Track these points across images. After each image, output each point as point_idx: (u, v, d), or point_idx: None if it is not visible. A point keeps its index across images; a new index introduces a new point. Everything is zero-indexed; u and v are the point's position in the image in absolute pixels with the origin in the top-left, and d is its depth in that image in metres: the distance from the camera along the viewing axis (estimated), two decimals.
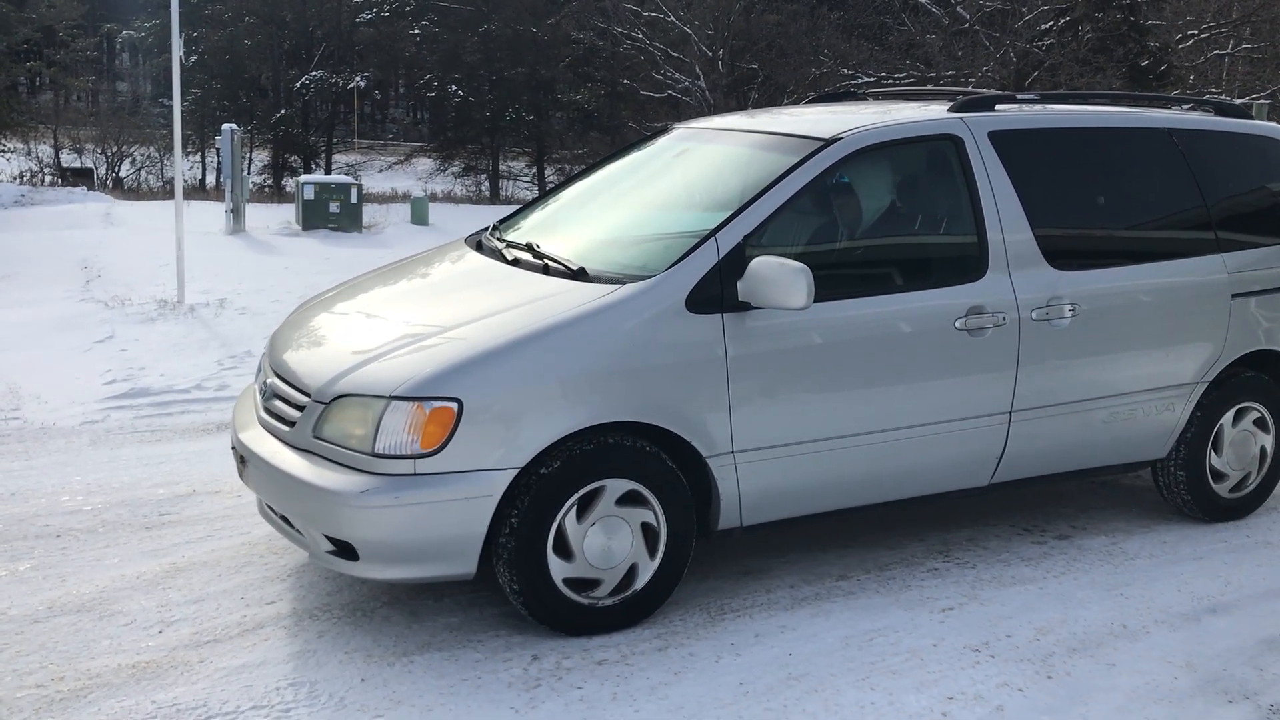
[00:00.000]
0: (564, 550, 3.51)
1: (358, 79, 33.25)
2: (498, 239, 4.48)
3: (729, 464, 3.70)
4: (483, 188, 32.44)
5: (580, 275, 3.79)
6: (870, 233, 4.29)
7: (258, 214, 17.30)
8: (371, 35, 33.30)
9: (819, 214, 4.13)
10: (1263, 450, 4.85)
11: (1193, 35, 21.93)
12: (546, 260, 3.98)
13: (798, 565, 4.20)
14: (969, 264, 4.12)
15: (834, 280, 3.84)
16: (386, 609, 3.76)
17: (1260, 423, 4.83)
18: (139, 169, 29.80)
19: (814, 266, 3.56)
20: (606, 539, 3.55)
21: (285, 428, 3.65)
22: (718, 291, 3.64)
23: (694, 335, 3.61)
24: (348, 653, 3.47)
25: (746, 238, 3.73)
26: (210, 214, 16.08)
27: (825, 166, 3.94)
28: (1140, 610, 3.93)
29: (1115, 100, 5.26)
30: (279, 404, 3.74)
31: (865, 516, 4.20)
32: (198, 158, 33.95)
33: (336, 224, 16.06)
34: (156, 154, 29.16)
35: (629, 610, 3.65)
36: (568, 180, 5.30)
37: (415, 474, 3.35)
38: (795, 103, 21.51)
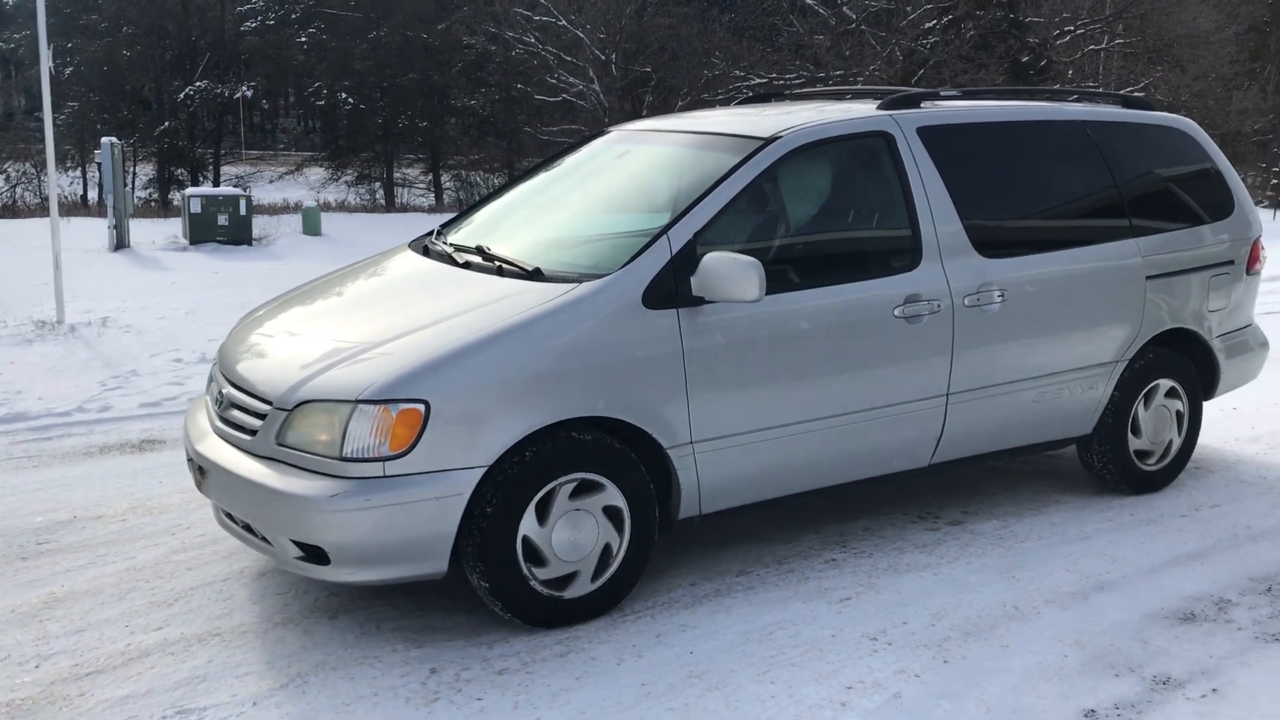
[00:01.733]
0: (532, 545, 3.56)
1: (244, 88, 32.48)
2: (444, 243, 4.50)
3: (689, 454, 3.80)
4: (377, 196, 31.92)
5: (535, 275, 3.85)
6: (811, 227, 4.45)
7: (143, 229, 16.80)
8: (257, 44, 32.56)
9: (762, 210, 4.24)
10: (1179, 422, 5.13)
11: (1069, 31, 22.70)
12: (500, 262, 4.03)
13: (698, 563, 4.21)
14: (904, 255, 4.29)
15: (780, 274, 3.97)
16: (280, 629, 3.66)
17: (1173, 394, 5.10)
18: (14, 185, 28.62)
19: (760, 261, 3.66)
20: (574, 532, 3.62)
21: (246, 436, 3.63)
22: (672, 287, 3.74)
23: (651, 331, 3.70)
24: (239, 676, 3.36)
25: (696, 235, 3.82)
26: (92, 230, 15.56)
27: (767, 164, 4.06)
28: (1031, 591, 4.02)
29: (1032, 95, 5.46)
30: (237, 413, 3.72)
31: (759, 512, 4.22)
32: (78, 173, 32.72)
33: (225, 237, 15.68)
34: (32, 169, 28.04)
35: (599, 600, 3.73)
36: (508, 184, 5.31)
37: (385, 476, 3.37)
38: (690, 105, 21.71)
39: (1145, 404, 5.01)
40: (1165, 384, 5.06)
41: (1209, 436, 5.79)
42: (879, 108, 4.51)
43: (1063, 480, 5.19)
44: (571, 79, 20.39)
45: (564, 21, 20.00)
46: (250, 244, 15.87)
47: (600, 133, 5.24)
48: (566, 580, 3.65)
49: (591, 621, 3.71)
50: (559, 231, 4.58)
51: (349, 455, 3.36)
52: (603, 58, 20.56)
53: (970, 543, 4.46)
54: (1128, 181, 4.98)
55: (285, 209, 23.51)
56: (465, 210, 5.10)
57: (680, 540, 4.34)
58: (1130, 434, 4.98)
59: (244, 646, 3.54)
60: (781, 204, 4.30)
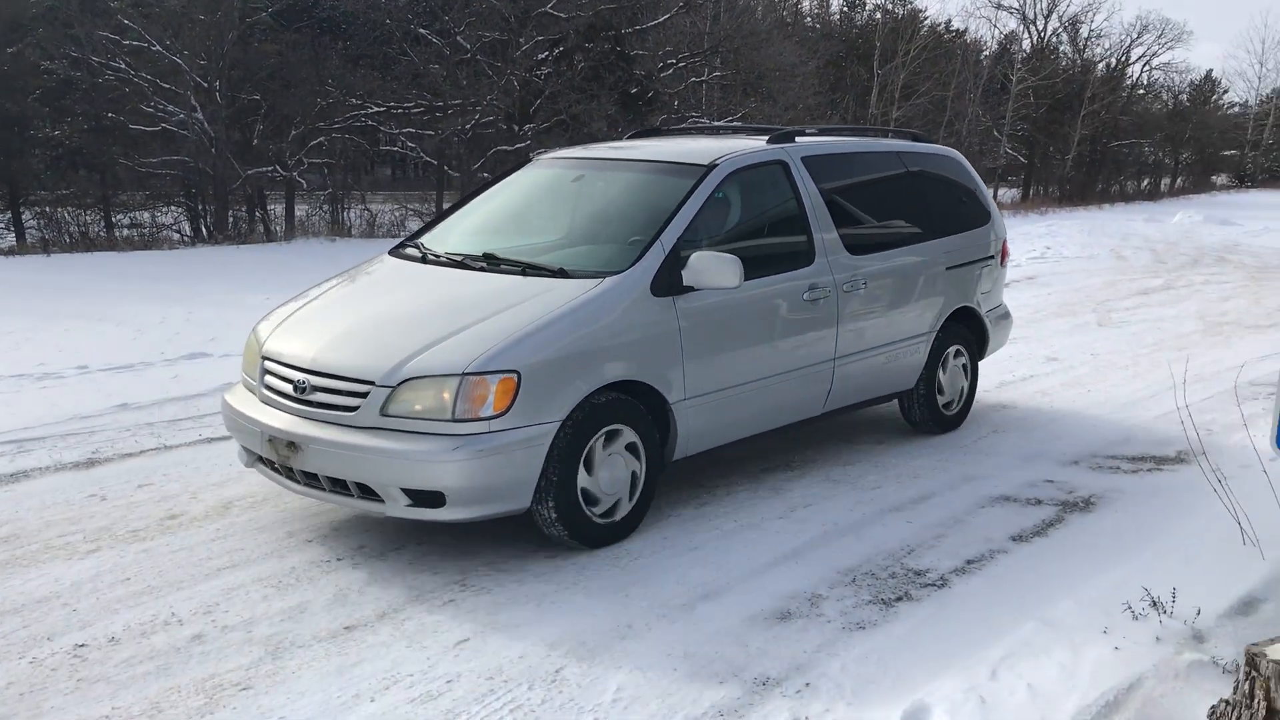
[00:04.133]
0: (588, 480, 4.56)
1: None
2: (443, 253, 5.37)
3: (684, 407, 4.92)
4: None
5: (561, 274, 4.83)
6: (744, 232, 5.57)
7: None
8: None
9: (713, 219, 5.27)
10: (966, 375, 6.84)
11: (672, 64, 24.04)
12: (523, 265, 4.98)
13: (317, 617, 3.96)
14: (805, 254, 5.57)
15: None
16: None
17: (961, 355, 6.77)
18: None
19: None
20: (612, 470, 4.66)
21: (343, 413, 4.36)
22: (668, 279, 4.83)
23: (658, 313, 4.79)
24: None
25: (679, 239, 4.94)
26: None
27: (715, 184, 5.25)
28: (644, 609, 4.11)
29: (858, 133, 6.78)
30: (324, 395, 4.44)
31: (375, 554, 4.04)
32: None
33: None
34: None
35: (623, 526, 4.79)
36: (453, 207, 6.16)
37: (489, 431, 4.23)
38: (306, 133, 20.94)
39: (946, 364, 6.61)
40: (957, 348, 6.68)
41: (807, 446, 6.24)
42: (769, 141, 5.75)
43: (672, 496, 5.39)
44: (171, 107, 19.03)
45: (159, 47, 18.64)
46: None
47: (526, 160, 6.30)
48: (612, 509, 4.71)
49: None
50: (551, 241, 5.49)
51: (460, 417, 4.21)
52: (205, 85, 19.36)
53: (587, 565, 4.51)
54: (930, 196, 6.60)
55: None
56: (420, 231, 5.96)
57: (295, 593, 4.07)
58: (938, 386, 6.57)
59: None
60: (721, 215, 5.37)
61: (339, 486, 4.42)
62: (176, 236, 19.58)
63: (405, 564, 4.50)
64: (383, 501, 4.33)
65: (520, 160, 6.50)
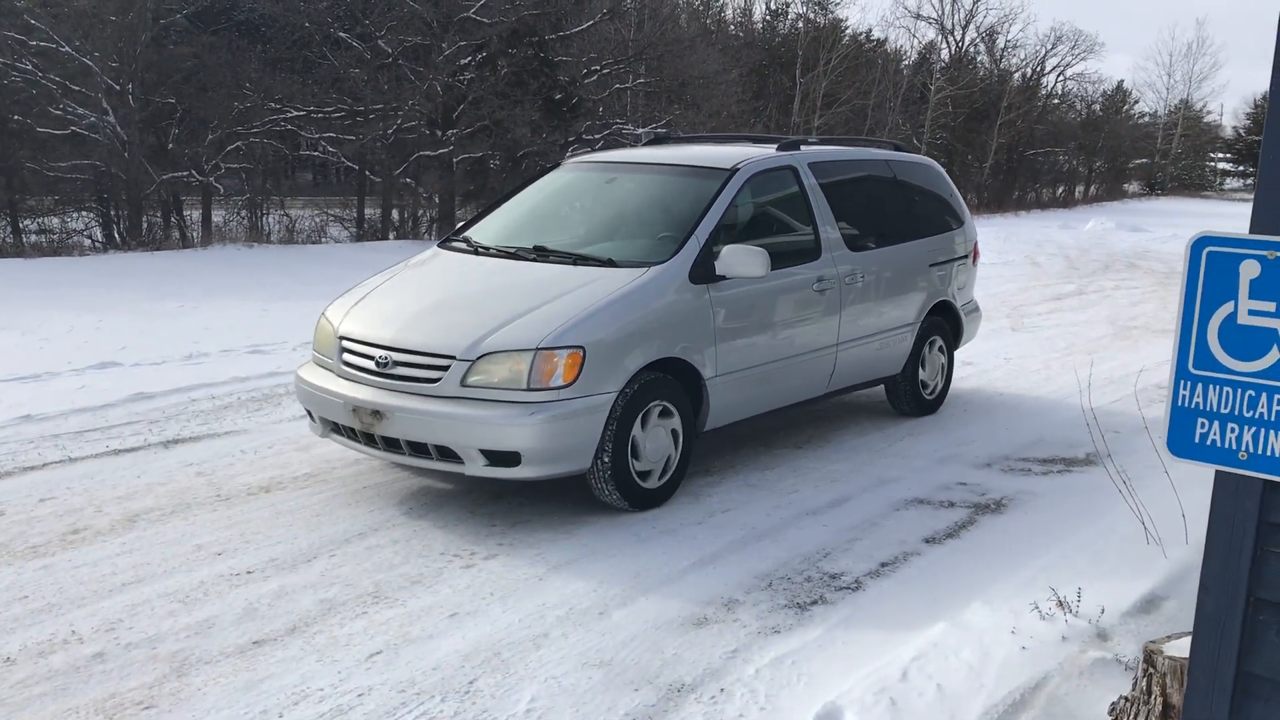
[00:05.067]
0: (635, 449, 5.12)
1: None
2: (496, 245, 5.94)
3: (715, 384, 5.47)
4: None
5: (609, 264, 5.43)
6: (762, 229, 6.18)
7: None
8: None
9: (734, 218, 5.85)
10: (944, 364, 7.48)
11: (596, 71, 24.03)
12: (574, 256, 5.58)
13: (225, 632, 3.87)
14: (812, 250, 6.21)
15: None
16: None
17: (941, 349, 7.41)
18: None
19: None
20: (655, 441, 5.21)
21: (425, 384, 4.92)
22: (704, 269, 5.42)
23: (696, 299, 5.37)
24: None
25: (711, 234, 5.53)
26: None
27: (739, 186, 5.86)
28: (559, 617, 4.09)
29: (851, 143, 7.44)
30: (406, 369, 4.99)
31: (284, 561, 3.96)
32: None
33: None
34: None
35: (665, 490, 5.35)
36: (490, 207, 6.71)
37: (559, 400, 4.78)
38: (224, 137, 20.52)
39: (928, 351, 7.23)
40: (937, 338, 7.31)
41: (726, 451, 6.28)
42: (778, 149, 6.36)
43: (590, 500, 5.36)
44: (82, 110, 18.50)
45: (67, 48, 18.12)
46: None
47: (556, 165, 6.96)
48: (649, 473, 5.25)
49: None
50: (592, 236, 6.02)
51: (534, 386, 4.77)
52: (117, 88, 18.86)
53: (504, 575, 4.48)
54: (914, 200, 7.27)
55: None
56: (462, 227, 6.49)
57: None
58: (919, 373, 7.19)
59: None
60: (742, 213, 5.95)
61: (419, 450, 4.92)
62: (88, 243, 19.03)
63: (317, 577, 4.42)
64: (462, 462, 4.84)
65: (548, 165, 7.26)
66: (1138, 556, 4.60)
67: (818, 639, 3.94)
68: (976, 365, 9.11)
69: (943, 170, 7.84)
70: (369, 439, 5.08)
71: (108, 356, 8.59)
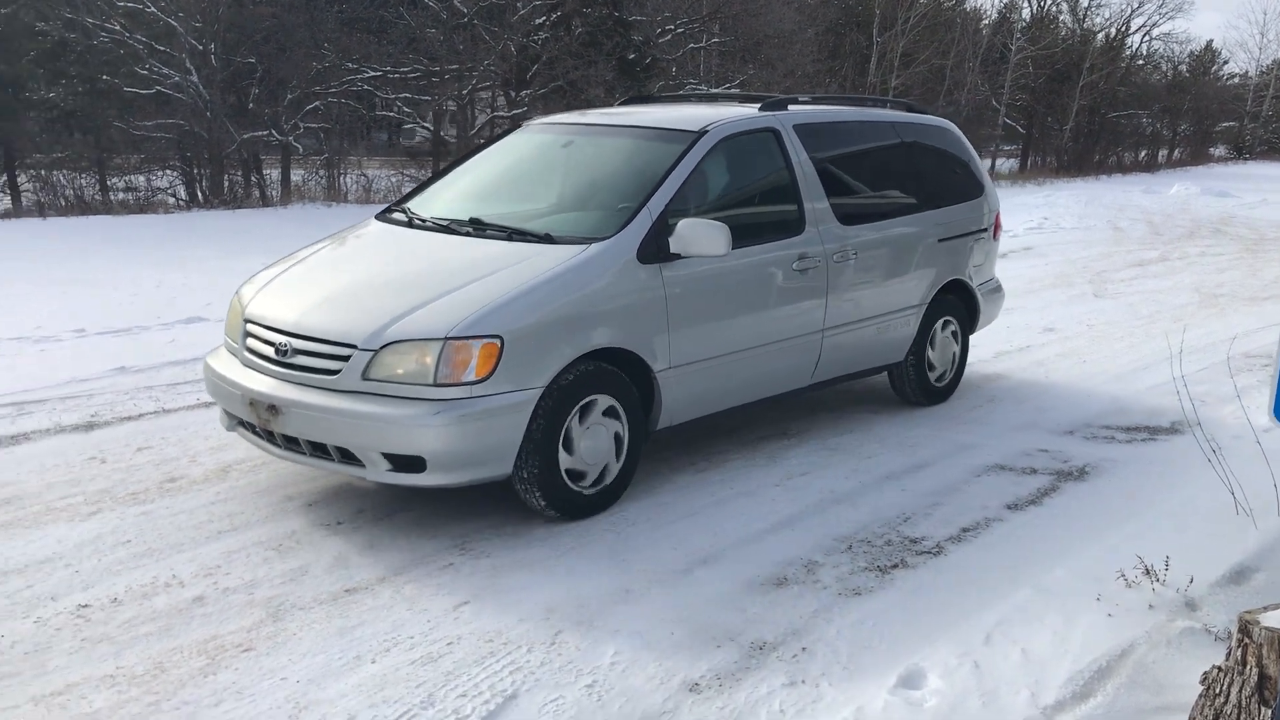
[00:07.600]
0: (568, 449, 4.49)
1: None
2: (429, 217, 5.30)
3: (668, 376, 4.84)
4: None
5: (547, 239, 4.76)
6: (733, 200, 5.43)
7: None
8: None
9: (701, 186, 5.17)
10: (956, 343, 6.75)
11: (670, 30, 23.88)
12: (509, 229, 4.90)
13: (318, 579, 3.99)
14: (795, 224, 5.49)
15: None
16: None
17: (955, 333, 6.72)
18: None
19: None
20: (594, 440, 4.59)
21: (324, 376, 4.31)
22: (655, 247, 4.75)
23: (644, 280, 4.70)
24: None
25: (667, 206, 4.84)
26: None
27: (705, 151, 5.14)
28: (641, 573, 4.15)
29: (853, 103, 6.67)
30: (305, 359, 4.38)
31: (373, 519, 4.06)
32: None
33: None
34: None
35: (603, 498, 4.72)
36: (443, 171, 6.07)
37: (471, 397, 4.17)
38: (302, 97, 20.79)
39: (936, 337, 6.54)
40: (947, 319, 6.60)
41: (802, 415, 6.27)
42: (760, 109, 5.64)
43: (672, 462, 5.41)
44: (166, 70, 18.87)
45: (153, 8, 18.46)
46: None
47: (515, 127, 6.18)
48: (585, 478, 4.62)
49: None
50: (539, 206, 5.40)
51: (441, 381, 4.15)
52: (200, 48, 19.20)
53: (586, 531, 4.54)
54: (923, 168, 6.49)
55: None
56: (408, 195, 5.83)
57: (297, 553, 4.10)
58: (927, 359, 6.51)
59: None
60: (710, 182, 5.26)
61: (319, 451, 4.37)
62: (172, 200, 19.48)
63: (405, 528, 4.53)
64: (363, 466, 4.28)
65: (511, 125, 6.45)
66: (1227, 526, 4.52)
67: (899, 602, 3.95)
68: (1059, 331, 8.97)
69: (959, 133, 6.95)
70: (270, 436, 4.54)
71: (194, 312, 8.83)
